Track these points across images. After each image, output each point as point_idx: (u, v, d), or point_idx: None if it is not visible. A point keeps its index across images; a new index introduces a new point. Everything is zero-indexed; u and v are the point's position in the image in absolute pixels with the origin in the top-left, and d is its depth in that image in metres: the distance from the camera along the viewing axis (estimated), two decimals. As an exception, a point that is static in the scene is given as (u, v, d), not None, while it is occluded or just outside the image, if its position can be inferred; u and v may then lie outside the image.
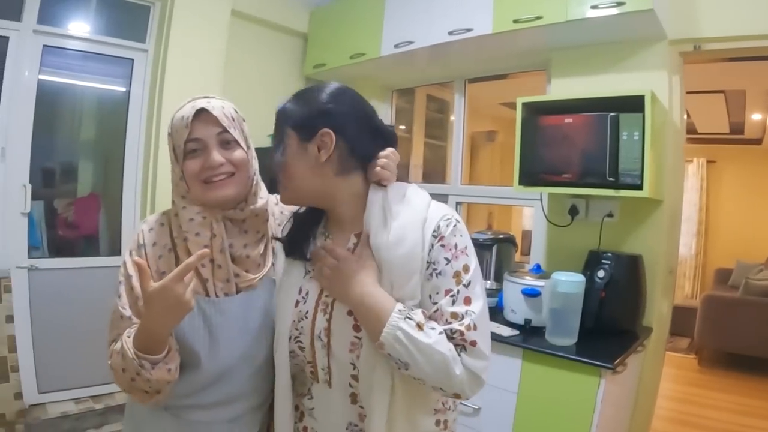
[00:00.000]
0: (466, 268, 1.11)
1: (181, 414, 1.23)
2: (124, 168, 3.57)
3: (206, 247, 1.17)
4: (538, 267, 2.67)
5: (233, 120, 1.23)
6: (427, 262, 1.10)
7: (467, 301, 1.09)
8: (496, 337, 2.40)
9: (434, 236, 1.10)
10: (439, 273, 1.09)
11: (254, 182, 1.28)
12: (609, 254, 2.58)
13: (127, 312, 1.17)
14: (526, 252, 3.46)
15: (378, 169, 1.18)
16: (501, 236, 3.00)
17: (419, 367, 1.03)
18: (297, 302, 1.21)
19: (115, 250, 3.61)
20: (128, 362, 1.07)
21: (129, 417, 1.34)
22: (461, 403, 1.22)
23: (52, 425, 3.19)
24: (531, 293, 2.48)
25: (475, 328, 1.07)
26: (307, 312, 1.19)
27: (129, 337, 1.10)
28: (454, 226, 1.12)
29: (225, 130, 1.20)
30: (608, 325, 2.50)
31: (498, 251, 2.96)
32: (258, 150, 1.35)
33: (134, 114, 3.56)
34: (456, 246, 1.11)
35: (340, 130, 1.14)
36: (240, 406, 1.27)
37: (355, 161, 1.18)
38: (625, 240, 2.78)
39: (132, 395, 1.16)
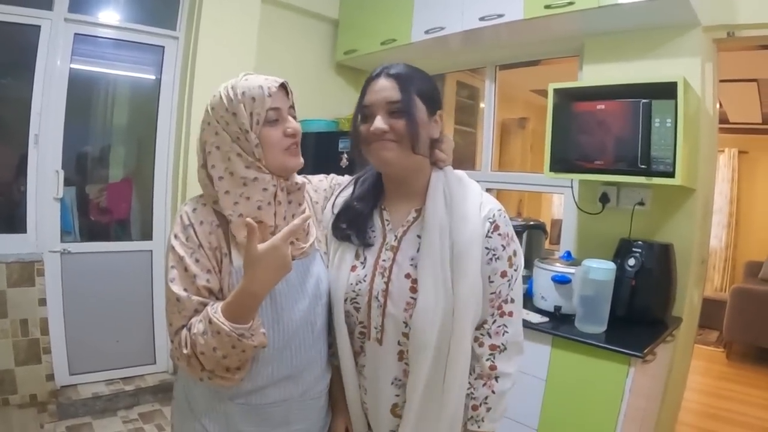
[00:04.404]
0: (515, 253, 1.32)
1: (251, 400, 1.24)
2: (156, 154, 3.63)
3: (276, 215, 1.24)
4: (569, 254, 2.66)
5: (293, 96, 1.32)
6: (486, 248, 1.27)
7: (516, 281, 1.32)
8: (526, 324, 2.38)
9: (490, 222, 1.27)
10: (498, 258, 1.28)
11: None
12: (640, 243, 2.55)
13: (184, 293, 1.16)
14: (555, 241, 3.44)
15: (439, 151, 1.34)
16: (531, 223, 2.99)
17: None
18: (354, 267, 1.32)
19: (146, 234, 3.67)
20: (223, 338, 1.08)
21: (185, 412, 1.31)
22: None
23: (84, 405, 3.27)
24: (561, 280, 2.47)
25: (516, 306, 1.32)
26: (365, 276, 1.30)
27: (216, 312, 1.10)
28: (505, 216, 1.31)
29: (293, 105, 1.30)
30: (638, 313, 2.49)
31: (528, 238, 2.95)
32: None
33: (165, 101, 3.61)
34: (508, 234, 1.30)
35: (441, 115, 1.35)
36: (308, 377, 1.30)
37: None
38: (657, 229, 2.75)
39: (212, 381, 1.15)
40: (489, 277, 1.27)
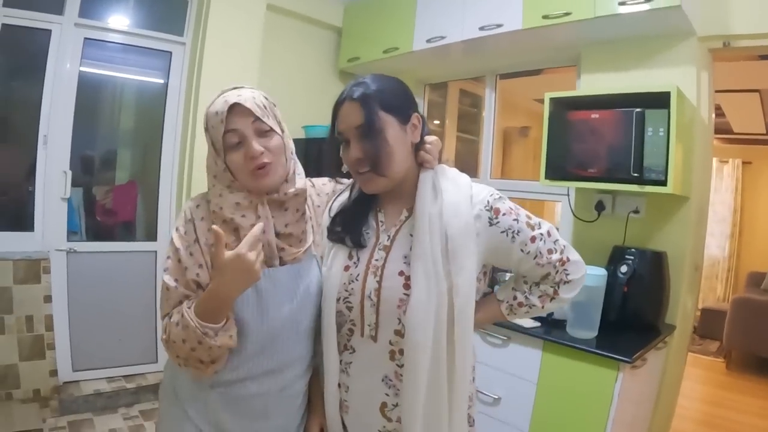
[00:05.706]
0: (527, 216, 1.32)
1: (231, 391, 1.28)
2: (162, 157, 3.69)
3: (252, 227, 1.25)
4: (561, 261, 2.68)
5: (265, 108, 1.27)
6: (501, 232, 1.28)
7: (549, 234, 1.32)
8: (518, 329, 2.45)
9: (488, 210, 1.28)
10: (518, 231, 1.28)
11: (293, 162, 1.36)
12: (633, 250, 2.59)
13: (173, 283, 1.22)
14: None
15: (423, 152, 1.34)
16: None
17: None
18: (347, 267, 1.33)
19: (151, 236, 3.73)
20: (190, 332, 1.14)
21: (170, 398, 1.36)
22: (480, 392, 1.38)
23: (85, 402, 3.33)
24: (553, 286, 2.49)
25: (565, 247, 1.34)
26: (357, 275, 1.31)
27: (189, 308, 1.17)
28: (499, 196, 1.31)
29: (258, 119, 1.24)
30: (630, 320, 2.52)
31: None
32: (294, 141, 1.41)
33: (172, 105, 3.68)
34: (510, 208, 1.30)
35: (419, 114, 1.34)
36: (288, 374, 1.33)
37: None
38: (651, 236, 2.78)
39: (187, 368, 1.22)
40: (521, 249, 1.28)
